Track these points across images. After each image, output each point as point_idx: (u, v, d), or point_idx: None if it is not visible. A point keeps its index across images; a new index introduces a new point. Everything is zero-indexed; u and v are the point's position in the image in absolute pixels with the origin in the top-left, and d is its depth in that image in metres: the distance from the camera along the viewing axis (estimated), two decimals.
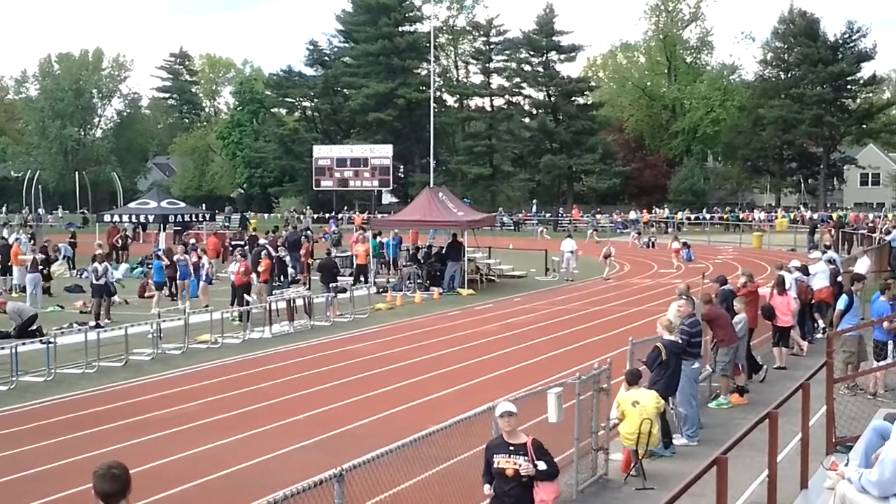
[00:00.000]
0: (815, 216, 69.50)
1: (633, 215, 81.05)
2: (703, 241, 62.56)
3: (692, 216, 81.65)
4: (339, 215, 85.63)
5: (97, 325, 25.14)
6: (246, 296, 28.33)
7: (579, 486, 12.31)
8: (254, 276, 29.61)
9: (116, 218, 49.04)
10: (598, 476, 12.87)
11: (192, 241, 43.18)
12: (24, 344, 20.97)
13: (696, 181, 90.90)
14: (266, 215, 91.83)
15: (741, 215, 79.13)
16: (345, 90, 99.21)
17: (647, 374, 14.05)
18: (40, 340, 21.84)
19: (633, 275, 44.82)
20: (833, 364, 12.58)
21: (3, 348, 20.62)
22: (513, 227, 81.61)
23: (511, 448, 9.22)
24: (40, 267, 32.93)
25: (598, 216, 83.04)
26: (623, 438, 12.98)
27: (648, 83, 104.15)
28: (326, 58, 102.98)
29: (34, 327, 25.06)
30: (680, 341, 14.46)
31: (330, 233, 59.71)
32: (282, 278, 35.84)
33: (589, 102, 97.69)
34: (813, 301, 23.55)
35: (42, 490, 12.70)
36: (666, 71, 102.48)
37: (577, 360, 19.88)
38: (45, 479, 13.28)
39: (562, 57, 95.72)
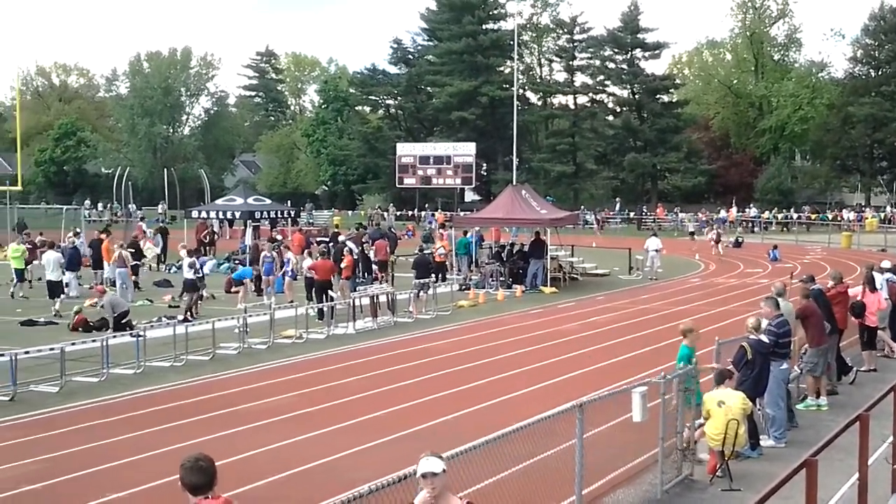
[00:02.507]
0: None
1: (721, 214, 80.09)
2: (791, 241, 61.62)
3: (779, 215, 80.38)
4: (422, 213, 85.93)
5: (185, 320, 25.55)
6: (330, 292, 28.57)
7: (664, 486, 12.19)
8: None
9: (204, 214, 49.76)
10: (683, 476, 12.73)
11: (280, 237, 43.62)
12: (114, 337, 21.40)
13: (784, 180, 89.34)
14: (349, 212, 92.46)
15: (830, 215, 77.69)
16: (428, 88, 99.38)
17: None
18: (130, 334, 22.28)
19: (718, 274, 44.28)
20: None
21: (94, 341, 21.08)
22: (595, 225, 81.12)
23: None
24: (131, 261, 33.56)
25: (681, 214, 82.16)
26: (709, 439, 12.83)
27: (735, 81, 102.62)
28: (410, 56, 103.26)
29: (125, 321, 25.55)
30: (767, 341, 14.25)
31: (428, 228, 59.97)
32: (366, 275, 36.08)
33: (674, 100, 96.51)
34: None
35: (131, 480, 12.95)
36: (753, 68, 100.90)
37: (662, 360, 19.69)
38: (133, 469, 13.54)
39: (646, 54, 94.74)
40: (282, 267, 33.09)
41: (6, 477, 13.15)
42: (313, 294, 28.99)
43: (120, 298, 27.81)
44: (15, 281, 33.25)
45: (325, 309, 26.92)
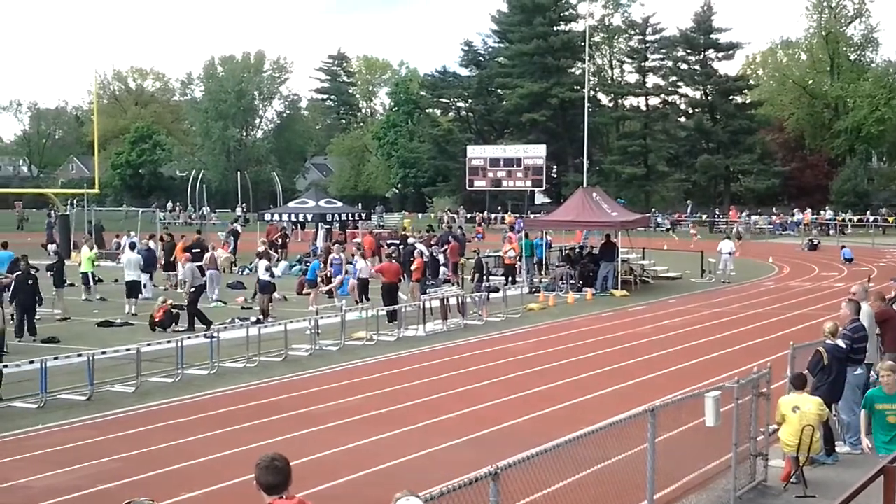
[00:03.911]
0: None
1: (796, 216, 79.07)
2: (867, 244, 60.52)
3: (855, 218, 79.05)
4: (492, 215, 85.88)
5: (257, 321, 25.82)
6: (401, 294, 28.68)
7: (737, 492, 12.04)
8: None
9: (276, 217, 50.28)
10: (756, 482, 12.58)
11: (357, 240, 43.82)
12: (189, 338, 21.69)
13: (860, 182, 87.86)
14: (419, 215, 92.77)
15: None
16: (499, 90, 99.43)
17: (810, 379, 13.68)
18: (204, 335, 22.57)
19: (792, 277, 43.68)
20: None
21: (169, 342, 21.41)
22: (668, 228, 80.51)
23: None
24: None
25: (753, 217, 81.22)
26: (783, 444, 12.67)
27: (810, 81, 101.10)
28: (481, 58, 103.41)
29: (196, 298, 26.36)
30: (843, 346, 14.02)
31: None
32: (434, 278, 36.15)
33: (747, 101, 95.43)
34: None
35: (206, 480, 13.13)
36: (828, 69, 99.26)
37: (735, 364, 19.52)
38: (208, 468, 13.72)
39: (720, 55, 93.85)
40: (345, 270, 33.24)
41: (83, 475, 13.39)
42: (381, 296, 29.10)
43: (193, 274, 28.17)
44: (82, 286, 33.61)
45: (393, 311, 27.07)
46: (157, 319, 26.64)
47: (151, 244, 37.63)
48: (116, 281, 37.18)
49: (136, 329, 26.73)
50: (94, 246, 35.86)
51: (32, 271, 25.83)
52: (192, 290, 27.30)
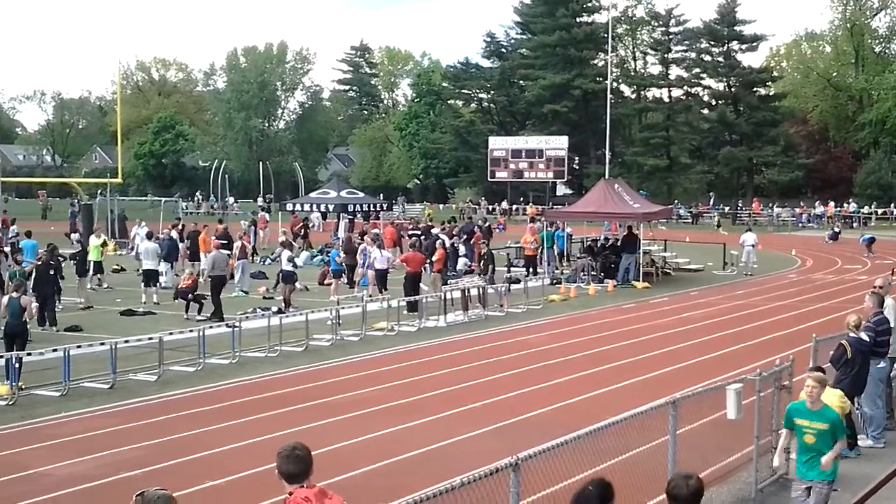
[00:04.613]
0: None
1: (818, 209, 78.69)
2: (892, 237, 60.16)
3: (879, 210, 78.55)
4: (514, 206, 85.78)
5: (279, 311, 25.88)
6: (423, 286, 28.69)
7: (758, 484, 12.01)
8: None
9: (298, 207, 50.39)
10: (778, 476, 12.53)
11: (376, 230, 43.86)
12: (210, 328, 21.76)
13: (884, 174, 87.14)
14: (441, 206, 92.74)
15: None
16: (521, 82, 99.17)
17: (832, 372, 13.59)
18: (226, 324, 22.65)
19: (815, 270, 43.48)
20: None
21: (191, 331, 21.49)
22: (690, 220, 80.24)
23: None
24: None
25: (776, 209, 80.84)
26: None
27: (834, 73, 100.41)
28: (503, 49, 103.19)
29: (216, 290, 26.57)
30: (867, 339, 13.94)
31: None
32: (454, 269, 36.12)
33: (771, 93, 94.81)
34: None
35: (227, 468, 13.18)
36: (853, 61, 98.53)
37: (757, 357, 19.44)
38: (229, 457, 13.78)
39: (743, 47, 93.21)
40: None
41: (105, 463, 13.47)
42: (404, 286, 29.11)
43: (223, 262, 28.23)
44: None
45: (414, 300, 27.08)
46: (183, 287, 26.95)
47: (174, 234, 37.74)
48: (119, 270, 37.44)
49: (159, 318, 26.83)
50: (103, 234, 35.79)
51: (59, 260, 25.97)
52: (210, 277, 27.37)
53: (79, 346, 18.91)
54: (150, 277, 30.41)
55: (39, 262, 25.49)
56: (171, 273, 33.67)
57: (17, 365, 17.52)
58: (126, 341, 19.61)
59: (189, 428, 15.39)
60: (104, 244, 33.57)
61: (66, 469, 13.25)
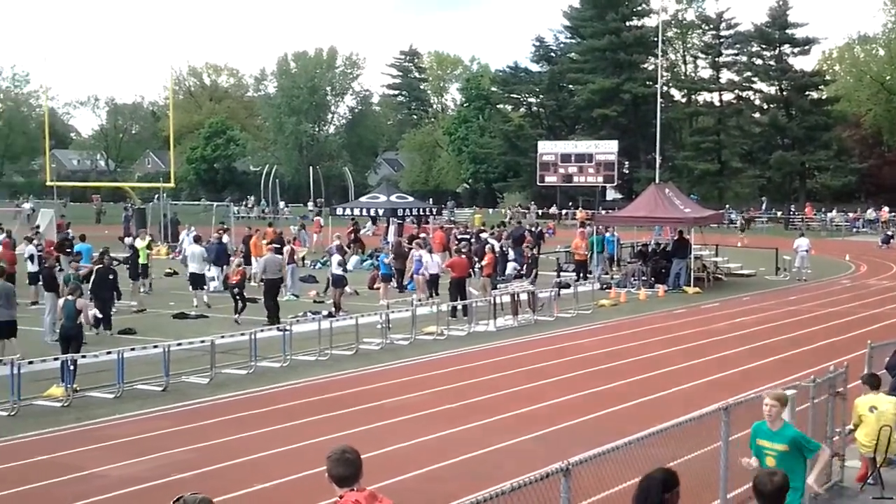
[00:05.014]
0: None
1: (870, 214, 77.68)
2: None
3: None
4: (563, 211, 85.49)
5: (329, 315, 25.99)
6: (472, 290, 28.68)
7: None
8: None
9: (348, 212, 50.59)
10: (832, 483, 12.38)
11: (424, 235, 43.90)
12: (262, 331, 21.91)
13: None
14: (490, 210, 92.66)
15: None
16: (570, 86, 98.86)
17: (887, 379, 13.42)
18: (277, 328, 22.78)
19: (870, 276, 42.93)
20: None
21: (242, 335, 21.63)
22: (741, 225, 79.54)
23: None
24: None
25: (829, 214, 79.95)
26: (860, 445, 12.46)
27: (888, 77, 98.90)
28: (553, 53, 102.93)
29: (271, 293, 26.81)
30: None
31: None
32: (503, 273, 36.07)
33: (823, 97, 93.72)
34: None
35: (277, 471, 13.26)
36: None
37: (811, 363, 19.23)
38: (280, 460, 13.86)
39: (795, 50, 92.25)
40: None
41: (158, 465, 13.60)
42: (449, 291, 29.14)
43: (277, 266, 28.34)
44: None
45: (458, 307, 27.07)
46: (233, 282, 27.18)
47: (226, 238, 38.04)
48: (172, 274, 37.78)
49: (211, 321, 27.05)
50: (149, 237, 36.03)
51: (114, 264, 26.26)
52: (262, 281, 27.59)
53: (132, 349, 19.13)
54: (197, 281, 30.67)
55: (100, 266, 25.73)
56: (221, 277, 33.90)
57: (72, 367, 17.76)
58: (179, 344, 19.82)
59: (240, 430, 15.50)
60: (149, 247, 33.76)
61: (119, 470, 13.40)
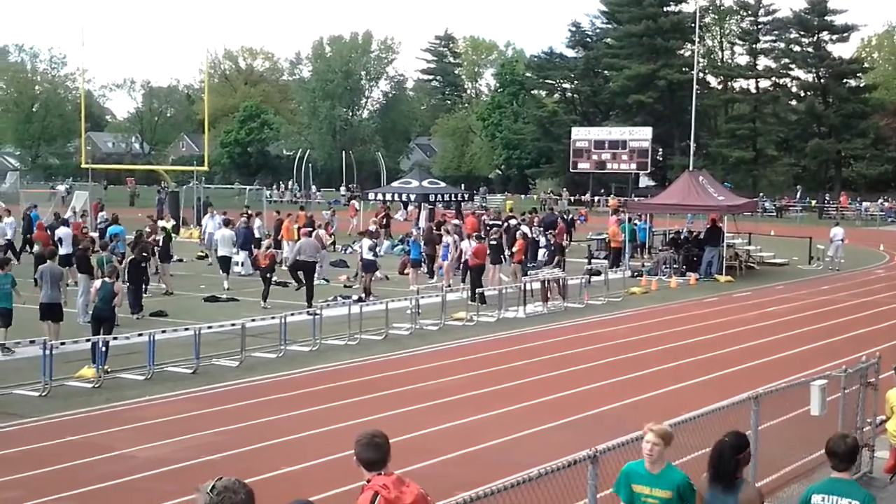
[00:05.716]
0: None
1: None
2: None
3: None
4: (596, 198, 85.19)
5: (359, 300, 26.03)
6: (503, 276, 28.62)
7: None
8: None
9: (380, 196, 50.62)
10: (861, 474, 12.26)
11: (455, 221, 43.79)
12: (292, 315, 21.95)
13: None
14: (522, 196, 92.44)
15: None
16: (605, 72, 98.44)
17: None
18: (307, 312, 22.84)
19: None
20: None
21: (273, 318, 21.70)
22: (775, 214, 79.02)
23: None
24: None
25: (863, 204, 79.27)
26: (890, 436, 12.34)
27: None
28: (588, 39, 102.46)
29: (308, 276, 27.19)
30: None
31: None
32: (534, 259, 35.96)
33: (861, 84, 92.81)
34: None
35: (305, 454, 13.31)
36: None
37: (843, 353, 19.07)
38: (308, 443, 13.90)
39: (834, 37, 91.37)
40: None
41: (187, 447, 13.68)
42: (468, 277, 29.13)
43: (311, 249, 28.46)
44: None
45: (479, 294, 27.03)
46: (261, 265, 27.30)
47: (258, 222, 38.14)
48: (203, 257, 38.00)
49: (241, 304, 27.15)
50: (172, 219, 36.18)
51: (150, 247, 26.56)
52: (293, 264, 27.72)
53: (163, 332, 19.26)
54: (225, 263, 30.82)
55: (132, 257, 25.77)
56: (248, 262, 34.00)
57: (103, 349, 17.88)
58: (209, 327, 19.89)
59: (269, 413, 15.56)
60: (174, 229, 33.99)
61: (149, 451, 13.49)
